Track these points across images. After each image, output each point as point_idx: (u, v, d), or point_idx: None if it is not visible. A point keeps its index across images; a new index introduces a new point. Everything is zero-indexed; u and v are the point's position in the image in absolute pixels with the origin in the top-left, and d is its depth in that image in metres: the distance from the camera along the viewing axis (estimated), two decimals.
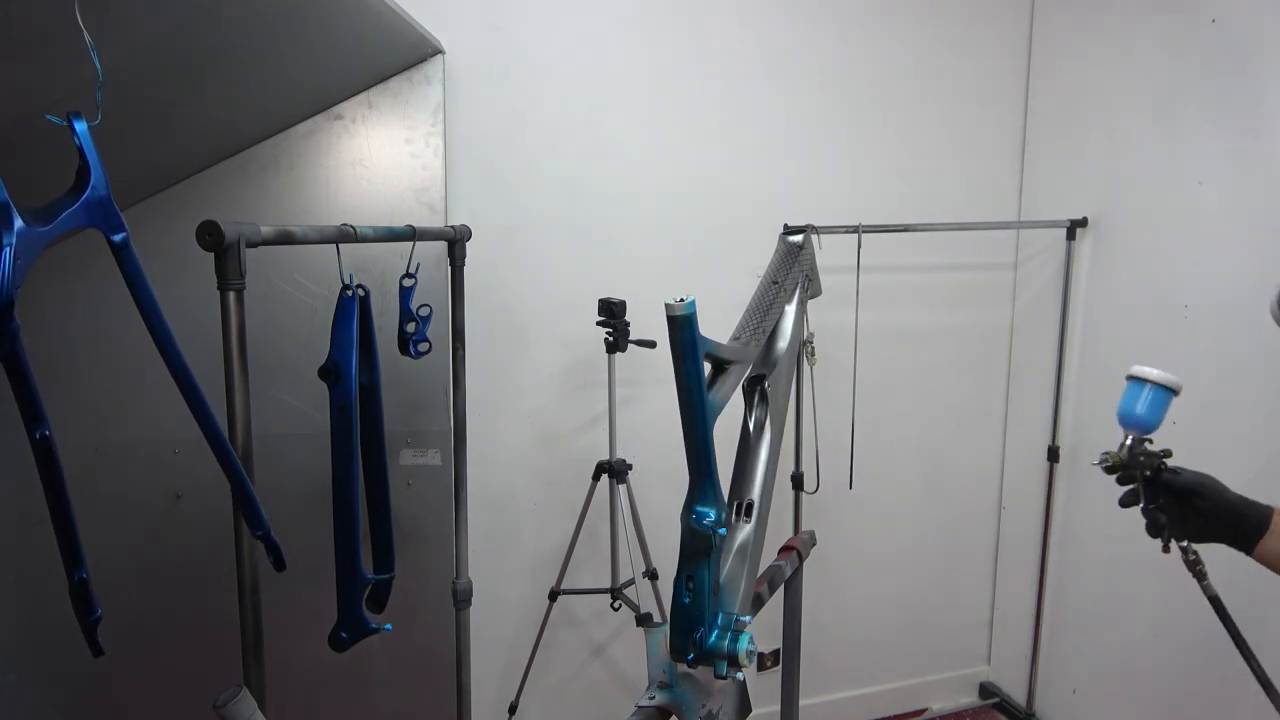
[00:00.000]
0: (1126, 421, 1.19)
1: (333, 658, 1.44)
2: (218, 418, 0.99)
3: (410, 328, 1.68)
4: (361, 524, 1.41)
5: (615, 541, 2.23)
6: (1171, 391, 1.19)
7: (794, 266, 1.51)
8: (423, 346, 1.70)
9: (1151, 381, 1.18)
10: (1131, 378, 1.20)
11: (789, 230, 1.63)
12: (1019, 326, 2.76)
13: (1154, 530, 1.16)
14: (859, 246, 2.27)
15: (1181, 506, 1.15)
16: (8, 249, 0.68)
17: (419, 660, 2.08)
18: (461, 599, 1.99)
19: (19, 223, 0.69)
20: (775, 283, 1.42)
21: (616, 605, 2.28)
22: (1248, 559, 1.14)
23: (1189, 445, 2.10)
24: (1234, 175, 2.00)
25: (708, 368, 1.11)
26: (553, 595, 2.26)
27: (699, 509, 0.95)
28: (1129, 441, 1.18)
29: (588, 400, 2.37)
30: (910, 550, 2.79)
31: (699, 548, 0.95)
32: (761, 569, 1.28)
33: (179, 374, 0.91)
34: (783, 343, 1.37)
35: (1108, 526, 2.40)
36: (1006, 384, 2.82)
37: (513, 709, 2.30)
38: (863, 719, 2.81)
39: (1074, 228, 2.45)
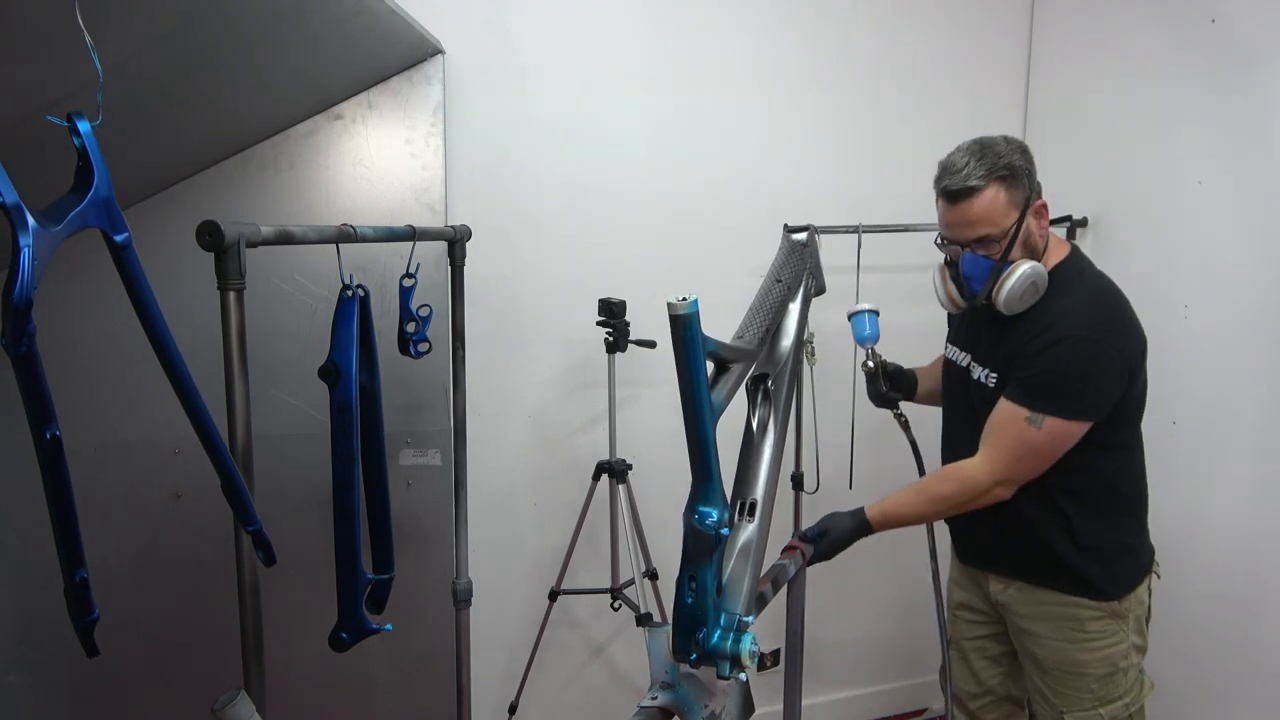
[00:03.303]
0: (865, 340, 1.85)
1: (333, 658, 1.44)
2: (215, 417, 0.99)
3: (410, 328, 1.68)
4: (361, 524, 1.41)
5: (615, 542, 2.23)
6: (877, 312, 1.85)
7: (797, 264, 1.50)
8: (423, 346, 1.70)
9: (867, 311, 1.84)
10: (853, 314, 1.85)
11: (791, 229, 1.63)
12: None
13: (881, 403, 1.89)
14: (859, 246, 2.27)
15: (892, 387, 1.88)
16: (25, 249, 0.68)
17: (419, 660, 2.08)
18: (461, 599, 1.99)
19: (32, 223, 0.69)
20: (778, 280, 1.41)
21: (617, 605, 2.28)
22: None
23: (1189, 444, 2.11)
24: (1234, 175, 2.00)
25: (710, 367, 1.10)
26: (553, 595, 2.26)
27: (701, 509, 0.94)
28: (871, 351, 1.85)
29: (587, 400, 2.37)
30: (911, 550, 2.78)
31: (701, 548, 0.95)
32: (765, 568, 1.28)
33: (178, 375, 0.91)
34: (786, 341, 1.37)
35: None
36: None
37: (513, 709, 2.30)
38: (863, 719, 2.81)
39: (1074, 227, 2.45)
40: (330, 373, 1.33)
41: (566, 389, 2.37)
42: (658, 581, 2.29)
